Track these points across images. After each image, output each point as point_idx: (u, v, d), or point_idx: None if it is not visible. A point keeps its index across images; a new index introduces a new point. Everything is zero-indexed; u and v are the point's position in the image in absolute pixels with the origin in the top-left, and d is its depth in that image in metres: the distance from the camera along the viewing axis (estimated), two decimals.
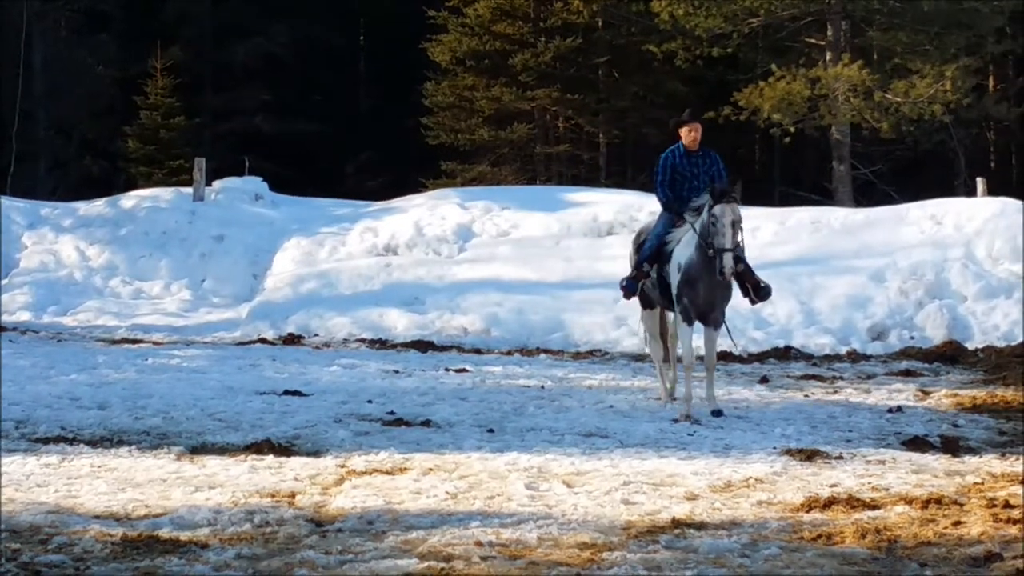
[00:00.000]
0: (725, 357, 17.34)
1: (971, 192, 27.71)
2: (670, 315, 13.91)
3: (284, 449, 10.58)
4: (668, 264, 13.29)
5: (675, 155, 13.49)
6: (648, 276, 13.60)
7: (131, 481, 9.30)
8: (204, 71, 41.73)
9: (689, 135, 13.46)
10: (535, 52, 35.86)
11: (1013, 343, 19.37)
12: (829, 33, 33.88)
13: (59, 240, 25.29)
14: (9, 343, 18.62)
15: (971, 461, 10.51)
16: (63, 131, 39.72)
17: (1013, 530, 7.91)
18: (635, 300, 14.07)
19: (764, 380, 16.07)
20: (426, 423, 12.17)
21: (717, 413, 12.89)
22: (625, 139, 39.99)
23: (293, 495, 8.93)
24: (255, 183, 27.28)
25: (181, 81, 36.03)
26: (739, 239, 12.77)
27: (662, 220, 13.62)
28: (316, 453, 10.55)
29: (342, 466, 9.98)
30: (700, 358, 13.90)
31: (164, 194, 26.92)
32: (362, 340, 20.28)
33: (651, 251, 13.54)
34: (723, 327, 13.33)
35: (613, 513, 8.47)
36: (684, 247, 13.11)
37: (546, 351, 19.10)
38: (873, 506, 8.66)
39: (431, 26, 37.07)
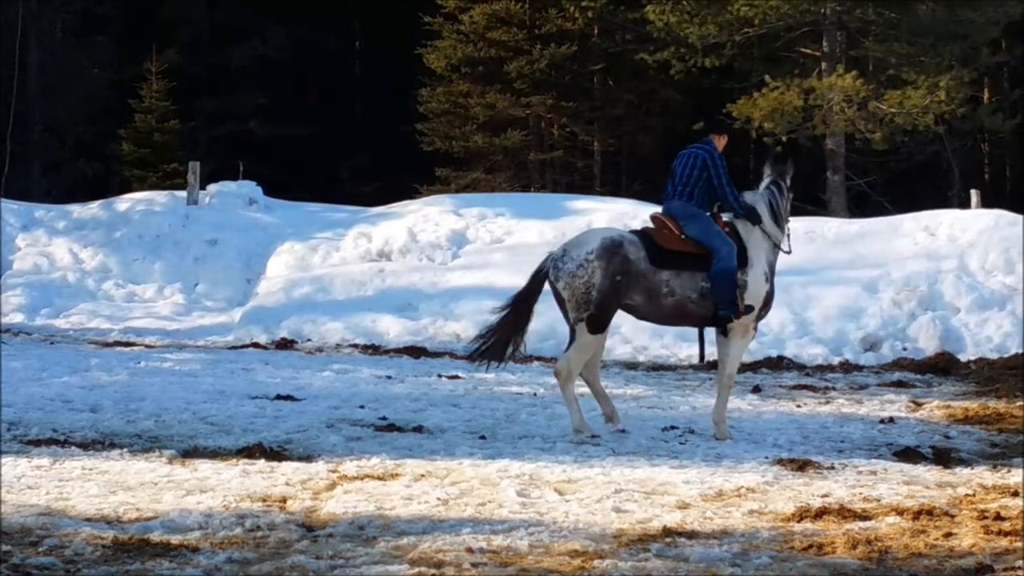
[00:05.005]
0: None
1: (965, 204, 27.74)
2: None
3: (276, 454, 10.56)
4: (748, 270, 12.39)
5: None
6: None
7: (122, 484, 9.28)
8: (199, 74, 41.75)
9: (722, 142, 12.86)
10: (530, 59, 35.91)
11: (1006, 355, 19.38)
12: (824, 43, 33.94)
13: (53, 242, 25.28)
14: (2, 345, 18.60)
15: (963, 473, 10.51)
16: (58, 133, 39.75)
17: (1004, 542, 7.92)
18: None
19: (756, 390, 16.08)
20: (418, 429, 12.16)
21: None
22: (620, 147, 40.08)
23: (284, 500, 8.92)
24: (249, 187, 27.28)
25: (176, 84, 36.06)
26: None
27: (710, 220, 12.50)
28: (308, 458, 10.54)
29: (334, 471, 9.96)
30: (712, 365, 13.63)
31: (158, 197, 26.93)
32: (355, 345, 20.27)
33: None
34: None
35: (604, 521, 8.47)
36: (759, 250, 12.45)
37: (539, 358, 19.06)
38: (864, 517, 8.65)
39: (426, 32, 37.13)
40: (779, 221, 12.74)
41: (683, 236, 12.24)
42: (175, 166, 33.38)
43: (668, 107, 38.01)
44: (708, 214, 12.47)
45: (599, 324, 12.08)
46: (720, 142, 12.85)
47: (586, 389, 12.77)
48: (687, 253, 12.18)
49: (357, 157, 42.01)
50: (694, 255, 12.19)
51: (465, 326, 20.83)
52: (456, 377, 16.41)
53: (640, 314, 12.43)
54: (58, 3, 40.01)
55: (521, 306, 12.46)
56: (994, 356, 19.44)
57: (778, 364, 19.07)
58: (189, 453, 10.62)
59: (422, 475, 9.87)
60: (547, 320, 20.50)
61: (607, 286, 11.89)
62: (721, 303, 12.21)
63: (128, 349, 19.01)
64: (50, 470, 9.72)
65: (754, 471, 10.32)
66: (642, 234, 12.32)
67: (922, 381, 17.66)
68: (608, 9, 36.49)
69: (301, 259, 24.21)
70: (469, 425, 12.54)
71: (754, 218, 12.51)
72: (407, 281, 22.77)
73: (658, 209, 12.96)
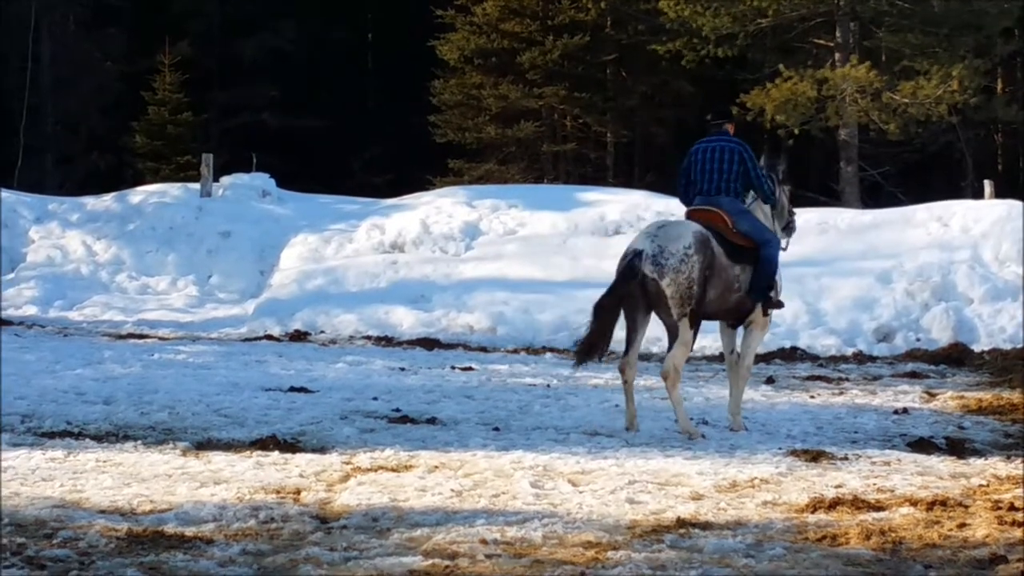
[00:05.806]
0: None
1: (978, 194, 27.69)
2: None
3: (290, 445, 10.56)
4: None
5: None
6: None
7: (136, 476, 9.29)
8: (212, 67, 41.76)
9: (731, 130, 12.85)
10: (543, 50, 35.89)
11: (1019, 346, 19.36)
12: (838, 34, 33.88)
13: (66, 235, 25.32)
14: (15, 337, 18.64)
15: (976, 463, 10.49)
16: (70, 126, 39.79)
17: (1018, 533, 7.90)
18: None
19: (770, 381, 16.07)
20: (432, 421, 12.15)
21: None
22: (633, 138, 40.04)
23: (298, 491, 8.92)
24: (262, 179, 27.31)
25: (189, 77, 36.08)
26: None
27: (755, 216, 12.56)
28: (322, 450, 10.53)
29: (347, 463, 9.96)
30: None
31: (171, 190, 26.96)
32: (368, 337, 20.29)
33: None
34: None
35: (618, 512, 8.45)
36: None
37: (552, 350, 19.08)
38: (878, 507, 8.64)
39: (439, 24, 37.12)
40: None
41: (734, 230, 12.21)
42: (188, 158, 33.42)
43: (680, 98, 37.96)
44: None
45: (697, 318, 11.88)
46: (730, 130, 12.87)
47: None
48: (745, 248, 12.18)
49: (370, 149, 41.99)
50: (749, 249, 12.20)
51: (478, 317, 20.86)
52: (469, 369, 16.42)
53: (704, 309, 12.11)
54: None
55: (612, 307, 12.02)
56: (1007, 347, 19.42)
57: (792, 355, 19.07)
58: (203, 445, 10.62)
59: (436, 467, 9.86)
60: (560, 312, 20.57)
61: (701, 280, 11.74)
62: (756, 289, 12.16)
63: (141, 341, 19.04)
64: (64, 462, 9.72)
65: (768, 462, 10.31)
66: (711, 228, 12.10)
67: (936, 372, 17.65)
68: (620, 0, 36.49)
69: (314, 251, 24.24)
70: (483, 417, 12.54)
71: (786, 213, 12.78)
72: (420, 273, 22.78)
73: (674, 201, 12.92)
